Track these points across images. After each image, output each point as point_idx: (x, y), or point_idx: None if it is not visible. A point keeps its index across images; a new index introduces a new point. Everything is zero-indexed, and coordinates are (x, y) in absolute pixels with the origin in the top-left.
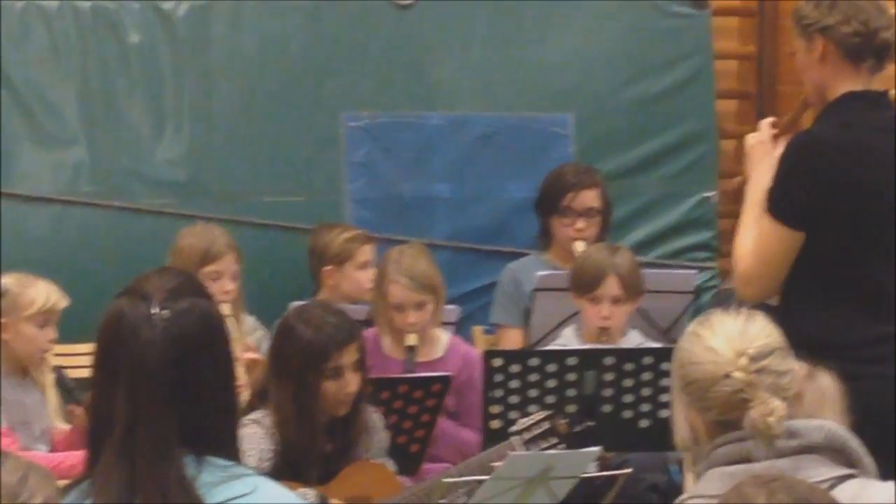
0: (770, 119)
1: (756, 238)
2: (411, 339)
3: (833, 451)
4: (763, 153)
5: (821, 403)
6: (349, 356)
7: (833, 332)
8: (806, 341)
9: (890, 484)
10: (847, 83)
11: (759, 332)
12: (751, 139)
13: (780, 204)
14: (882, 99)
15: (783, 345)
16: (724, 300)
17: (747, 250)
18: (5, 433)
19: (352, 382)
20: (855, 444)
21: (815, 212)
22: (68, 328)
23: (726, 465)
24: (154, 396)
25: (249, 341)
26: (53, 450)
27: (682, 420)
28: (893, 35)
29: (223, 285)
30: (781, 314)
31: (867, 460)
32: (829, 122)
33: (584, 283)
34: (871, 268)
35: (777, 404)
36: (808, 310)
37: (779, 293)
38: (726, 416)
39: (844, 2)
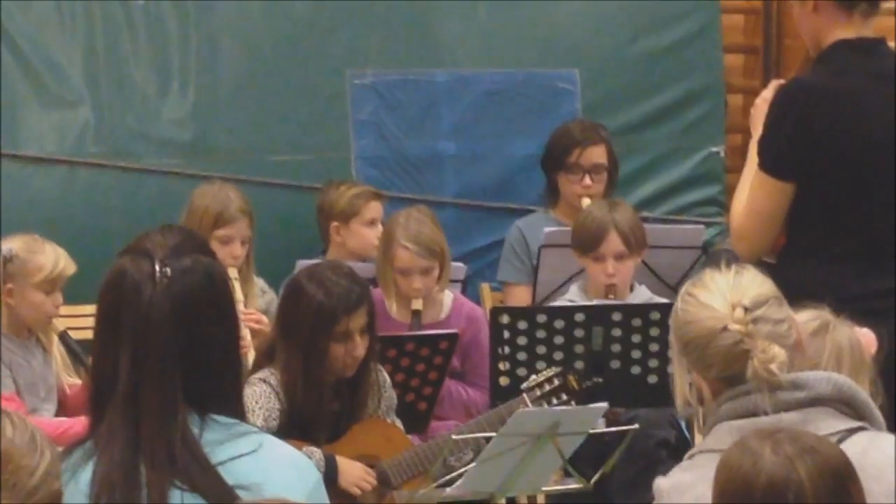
0: (780, 81)
1: (749, 193)
2: (417, 304)
3: (842, 404)
4: (766, 111)
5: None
6: (358, 320)
7: (832, 287)
8: (805, 296)
9: None
10: (840, 30)
11: (751, 283)
12: (759, 99)
13: (767, 154)
14: (878, 46)
15: (777, 294)
16: (716, 259)
17: (741, 206)
18: (10, 398)
19: (360, 346)
20: (864, 396)
21: (806, 161)
22: (74, 289)
23: (733, 419)
24: (158, 355)
25: (258, 305)
26: (63, 406)
27: (682, 383)
28: None
29: (233, 250)
30: (782, 269)
31: (877, 413)
32: (820, 69)
33: (586, 242)
34: (870, 220)
35: (777, 351)
36: (808, 264)
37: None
38: (728, 370)
39: None
